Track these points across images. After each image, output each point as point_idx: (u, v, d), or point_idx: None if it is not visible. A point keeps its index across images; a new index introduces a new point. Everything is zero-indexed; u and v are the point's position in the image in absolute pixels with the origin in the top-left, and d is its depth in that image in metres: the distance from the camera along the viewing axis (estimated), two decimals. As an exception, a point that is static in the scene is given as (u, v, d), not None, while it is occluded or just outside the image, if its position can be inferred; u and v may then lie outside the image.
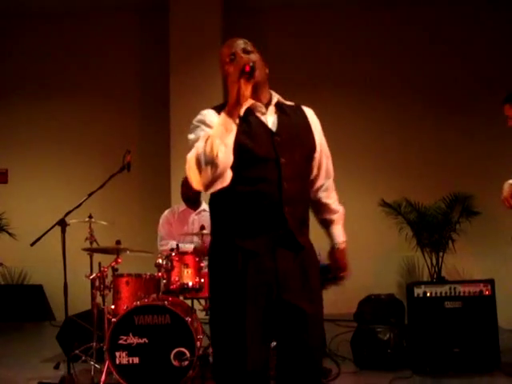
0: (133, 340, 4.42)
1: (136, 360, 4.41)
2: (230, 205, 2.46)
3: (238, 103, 2.34)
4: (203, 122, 2.44)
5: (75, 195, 7.83)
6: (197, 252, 4.96)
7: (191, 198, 5.72)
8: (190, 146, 2.39)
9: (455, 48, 8.05)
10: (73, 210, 4.76)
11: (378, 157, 7.98)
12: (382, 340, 5.04)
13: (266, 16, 8.35)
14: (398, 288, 7.28)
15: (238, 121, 2.35)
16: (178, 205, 5.91)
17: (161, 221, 5.77)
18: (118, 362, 4.41)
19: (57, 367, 5.33)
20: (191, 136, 2.45)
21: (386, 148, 8.04)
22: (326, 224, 2.74)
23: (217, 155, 2.24)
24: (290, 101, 2.65)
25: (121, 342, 4.42)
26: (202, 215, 5.71)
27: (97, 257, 5.29)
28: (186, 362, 4.36)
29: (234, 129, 2.32)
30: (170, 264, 4.70)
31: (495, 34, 8.04)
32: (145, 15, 8.65)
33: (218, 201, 2.51)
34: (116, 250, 4.88)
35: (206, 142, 2.28)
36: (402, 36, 8.15)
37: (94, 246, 5.29)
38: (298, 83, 7.79)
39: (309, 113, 2.66)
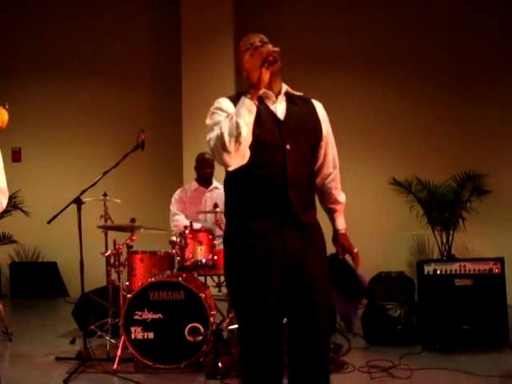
0: (148, 315, 4.51)
1: (151, 335, 4.51)
2: (240, 187, 2.69)
3: (259, 87, 2.54)
4: (220, 109, 2.66)
5: (88, 173, 7.97)
6: (209, 230, 5.06)
7: (208, 176, 5.80)
8: (209, 129, 2.61)
9: (472, 23, 7.96)
10: (88, 189, 4.83)
11: (389, 135, 7.98)
12: (392, 317, 5.12)
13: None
14: (408, 266, 7.33)
15: (257, 103, 2.54)
16: (190, 184, 5.97)
17: (173, 200, 5.83)
18: (133, 336, 4.51)
19: (73, 342, 5.48)
20: (209, 121, 2.66)
21: (397, 127, 8.03)
22: (330, 212, 2.94)
23: (240, 133, 2.45)
24: (303, 86, 2.90)
25: (136, 317, 4.52)
26: (214, 192, 5.79)
27: (111, 234, 5.37)
28: (200, 337, 4.45)
29: (254, 110, 2.52)
30: (183, 241, 4.78)
31: None
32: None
33: (231, 183, 2.75)
34: (131, 228, 4.95)
35: (230, 121, 2.49)
36: (417, 11, 8.07)
37: (109, 223, 5.38)
38: (310, 60, 7.81)
39: (317, 105, 2.85)
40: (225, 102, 2.70)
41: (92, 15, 8.62)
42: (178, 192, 5.89)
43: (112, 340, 4.98)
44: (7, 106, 1.77)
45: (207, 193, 5.79)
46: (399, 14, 8.08)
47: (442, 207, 7.34)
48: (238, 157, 2.51)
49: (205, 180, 5.82)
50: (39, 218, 6.59)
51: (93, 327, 5.22)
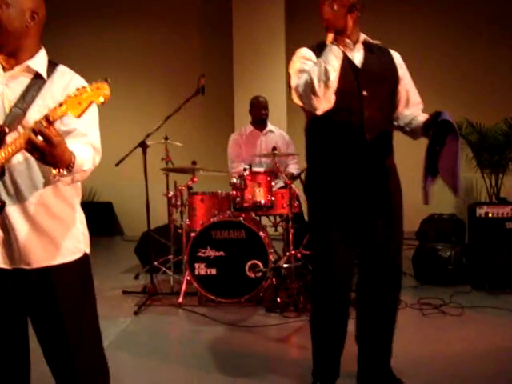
0: (210, 253, 4.76)
1: (213, 271, 4.76)
2: (321, 134, 2.86)
3: (345, 33, 2.70)
4: (303, 57, 2.82)
5: (139, 117, 8.18)
6: (267, 173, 5.24)
7: (264, 118, 5.92)
8: (293, 74, 2.78)
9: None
10: (153, 133, 5.01)
11: (440, 77, 7.95)
12: (443, 257, 5.27)
13: None
14: (456, 208, 7.42)
15: (342, 49, 2.69)
16: (245, 127, 6.07)
17: (229, 143, 5.98)
18: (196, 272, 4.77)
19: (136, 278, 5.79)
20: (293, 69, 2.81)
21: (448, 68, 7.99)
22: (417, 121, 2.89)
23: (329, 78, 2.61)
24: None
25: (199, 254, 4.77)
26: (269, 136, 5.92)
27: (171, 176, 5.58)
28: (260, 274, 4.69)
29: (341, 56, 2.66)
30: (243, 183, 4.96)
31: None
32: None
33: (312, 130, 2.93)
34: (192, 170, 5.15)
35: (319, 67, 2.63)
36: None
37: (170, 166, 5.57)
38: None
39: (394, 54, 2.96)
40: (306, 51, 2.83)
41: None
42: (233, 135, 6.04)
43: (175, 276, 5.26)
44: (109, 81, 1.87)
45: (262, 136, 5.92)
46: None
47: (492, 150, 7.31)
48: (326, 101, 2.66)
49: (260, 122, 5.93)
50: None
51: (156, 263, 5.49)
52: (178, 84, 8.10)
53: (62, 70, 2.26)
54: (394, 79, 2.89)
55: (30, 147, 1.88)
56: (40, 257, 2.17)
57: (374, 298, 2.93)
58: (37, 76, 2.19)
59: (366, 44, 2.88)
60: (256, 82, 7.73)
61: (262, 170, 5.41)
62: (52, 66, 2.24)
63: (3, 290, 2.20)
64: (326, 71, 2.60)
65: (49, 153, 1.88)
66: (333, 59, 2.63)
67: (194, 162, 5.11)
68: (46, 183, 2.16)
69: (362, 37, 2.88)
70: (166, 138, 5.55)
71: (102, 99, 1.85)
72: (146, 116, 8.00)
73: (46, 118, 1.89)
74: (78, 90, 1.87)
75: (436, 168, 2.63)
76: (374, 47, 2.90)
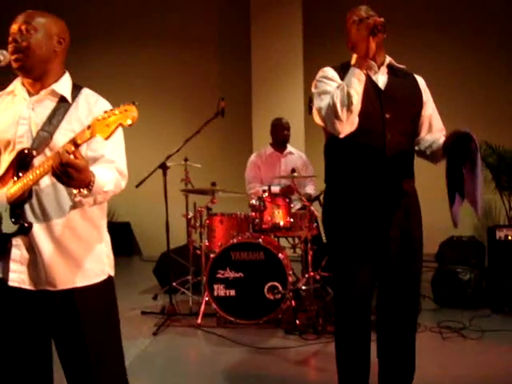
0: (229, 274, 4.77)
1: (232, 292, 4.77)
2: (341, 154, 2.86)
3: (367, 57, 2.68)
4: (326, 77, 2.82)
5: (158, 139, 8.21)
6: (283, 192, 5.27)
7: (286, 139, 5.95)
8: (316, 95, 2.79)
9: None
10: (173, 155, 5.06)
11: (459, 99, 7.95)
12: (462, 280, 5.23)
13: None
14: (476, 230, 7.38)
15: (365, 72, 2.69)
16: (264, 148, 6.09)
17: (248, 165, 6.01)
18: (215, 293, 4.78)
19: (155, 298, 5.81)
20: (315, 90, 2.83)
21: (466, 90, 8.00)
22: (438, 143, 2.86)
23: (352, 102, 2.61)
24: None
25: (218, 275, 4.78)
26: (289, 157, 5.94)
27: (191, 197, 5.62)
28: (279, 295, 4.69)
29: (363, 79, 2.67)
30: (262, 205, 4.98)
31: None
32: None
33: (332, 150, 2.93)
34: (211, 191, 5.19)
35: (342, 91, 2.63)
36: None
37: (189, 187, 5.61)
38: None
39: (419, 78, 2.98)
40: (329, 71, 2.84)
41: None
42: (252, 157, 6.06)
43: (194, 296, 5.27)
44: (137, 103, 1.90)
45: (282, 158, 5.93)
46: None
47: (511, 172, 7.31)
48: (349, 124, 2.66)
49: (282, 143, 5.95)
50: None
51: (175, 284, 5.51)
52: (197, 106, 8.16)
53: (87, 93, 2.32)
54: (418, 103, 2.90)
55: (56, 173, 1.93)
56: (65, 278, 2.20)
57: (393, 320, 2.92)
58: (62, 99, 2.24)
59: (390, 67, 2.89)
60: (274, 104, 7.78)
61: (277, 188, 5.44)
62: (76, 90, 2.29)
63: (28, 311, 2.23)
64: (349, 95, 2.60)
65: (73, 177, 1.93)
66: (355, 83, 2.63)
67: (213, 184, 5.15)
68: (73, 205, 2.20)
69: (388, 60, 2.89)
70: (186, 160, 5.59)
71: (129, 121, 1.88)
72: (166, 138, 8.04)
73: (74, 141, 1.93)
74: (105, 112, 1.90)
75: (462, 188, 2.62)
76: (399, 71, 2.92)
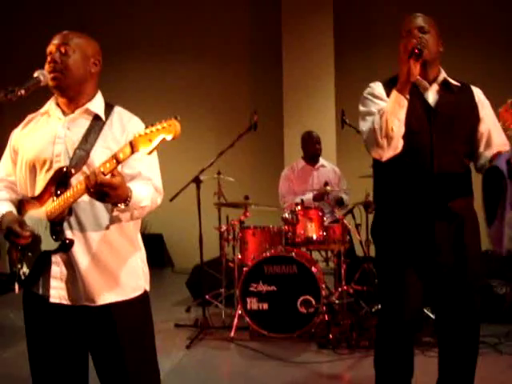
0: (262, 288, 4.78)
1: (265, 306, 4.77)
2: (389, 173, 2.77)
3: (409, 81, 2.57)
4: (372, 94, 2.74)
5: (191, 153, 8.24)
6: (317, 198, 5.34)
7: (318, 153, 5.96)
8: (361, 116, 2.73)
9: None
10: (206, 168, 5.11)
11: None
12: (498, 294, 5.15)
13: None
14: (511, 243, 7.26)
15: (408, 96, 2.57)
16: (296, 162, 6.09)
17: (281, 179, 6.01)
18: (249, 307, 4.79)
19: (188, 311, 5.84)
20: (362, 108, 2.75)
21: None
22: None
23: (392, 129, 2.54)
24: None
25: (252, 289, 4.79)
26: (321, 170, 5.94)
27: (223, 210, 5.66)
28: (312, 309, 4.68)
29: (405, 104, 2.57)
30: (295, 218, 4.99)
31: None
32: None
33: (380, 169, 2.83)
34: (244, 205, 5.22)
35: (381, 118, 2.56)
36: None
37: (222, 200, 5.64)
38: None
39: (475, 90, 2.81)
40: (377, 88, 2.75)
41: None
42: (285, 170, 6.08)
43: (226, 310, 5.29)
44: (179, 118, 1.94)
45: (314, 171, 5.93)
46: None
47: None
48: (391, 150, 2.59)
49: (314, 157, 5.95)
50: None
51: (207, 297, 5.53)
52: (229, 120, 8.21)
53: (119, 111, 2.38)
54: (473, 119, 2.75)
55: (90, 192, 1.99)
56: (103, 294, 2.24)
57: (454, 342, 2.83)
58: (96, 118, 2.30)
59: (444, 83, 2.75)
60: (306, 118, 7.77)
61: (310, 195, 5.50)
62: (109, 108, 2.35)
63: (66, 326, 2.27)
64: (388, 122, 2.54)
65: (109, 195, 1.98)
66: (395, 108, 2.55)
67: (246, 197, 5.18)
68: (110, 220, 2.24)
69: (442, 76, 2.76)
70: (219, 173, 5.64)
71: (171, 136, 1.92)
72: (199, 152, 8.07)
73: (116, 157, 1.97)
74: (147, 127, 1.95)
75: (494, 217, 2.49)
76: (454, 85, 2.77)
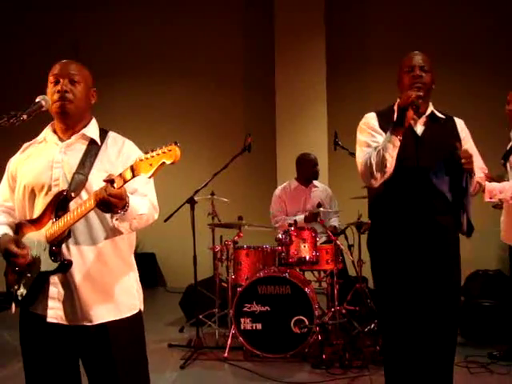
0: (256, 308, 4.81)
1: (259, 326, 4.80)
2: (382, 193, 3.06)
3: (404, 127, 2.89)
4: (366, 125, 3.09)
5: (185, 173, 8.27)
6: (308, 219, 5.41)
7: (315, 176, 6.04)
8: (358, 144, 3.08)
9: None
10: (200, 189, 5.16)
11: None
12: (489, 314, 5.18)
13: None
14: (501, 263, 7.31)
15: (401, 138, 2.88)
16: (289, 182, 6.11)
17: (273, 199, 6.04)
18: (242, 327, 4.81)
19: (181, 331, 5.84)
20: (360, 137, 3.09)
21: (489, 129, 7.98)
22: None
23: (385, 165, 2.88)
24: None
25: (245, 309, 4.82)
26: (314, 191, 5.98)
27: (217, 231, 5.69)
28: (306, 329, 4.71)
29: (398, 144, 2.88)
30: (288, 238, 5.03)
31: None
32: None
33: (373, 189, 3.09)
34: (238, 225, 5.25)
35: (377, 155, 2.88)
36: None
37: (215, 221, 5.68)
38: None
39: (458, 121, 3.18)
40: (371, 120, 3.09)
41: (184, 20, 8.81)
42: (277, 190, 6.09)
43: (220, 329, 5.30)
44: (179, 144, 2.01)
45: (307, 192, 5.96)
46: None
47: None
48: (383, 179, 2.94)
49: (310, 179, 6.01)
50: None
51: (201, 317, 5.53)
52: (222, 141, 8.25)
53: (114, 135, 2.49)
54: (455, 147, 3.00)
55: (101, 204, 2.06)
56: (100, 313, 2.30)
57: (429, 353, 3.08)
58: (91, 142, 2.40)
59: (431, 116, 3.08)
60: (298, 139, 7.80)
61: (302, 216, 5.56)
62: (103, 133, 2.46)
63: (61, 345, 2.33)
64: (383, 160, 2.87)
65: (116, 205, 2.08)
66: (390, 148, 2.87)
67: (240, 217, 5.22)
68: (106, 237, 2.31)
69: (430, 109, 3.08)
70: (213, 194, 5.68)
71: (171, 161, 1.98)
72: (193, 173, 8.07)
73: (122, 177, 2.04)
74: (148, 152, 2.00)
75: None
76: (440, 118, 3.10)
